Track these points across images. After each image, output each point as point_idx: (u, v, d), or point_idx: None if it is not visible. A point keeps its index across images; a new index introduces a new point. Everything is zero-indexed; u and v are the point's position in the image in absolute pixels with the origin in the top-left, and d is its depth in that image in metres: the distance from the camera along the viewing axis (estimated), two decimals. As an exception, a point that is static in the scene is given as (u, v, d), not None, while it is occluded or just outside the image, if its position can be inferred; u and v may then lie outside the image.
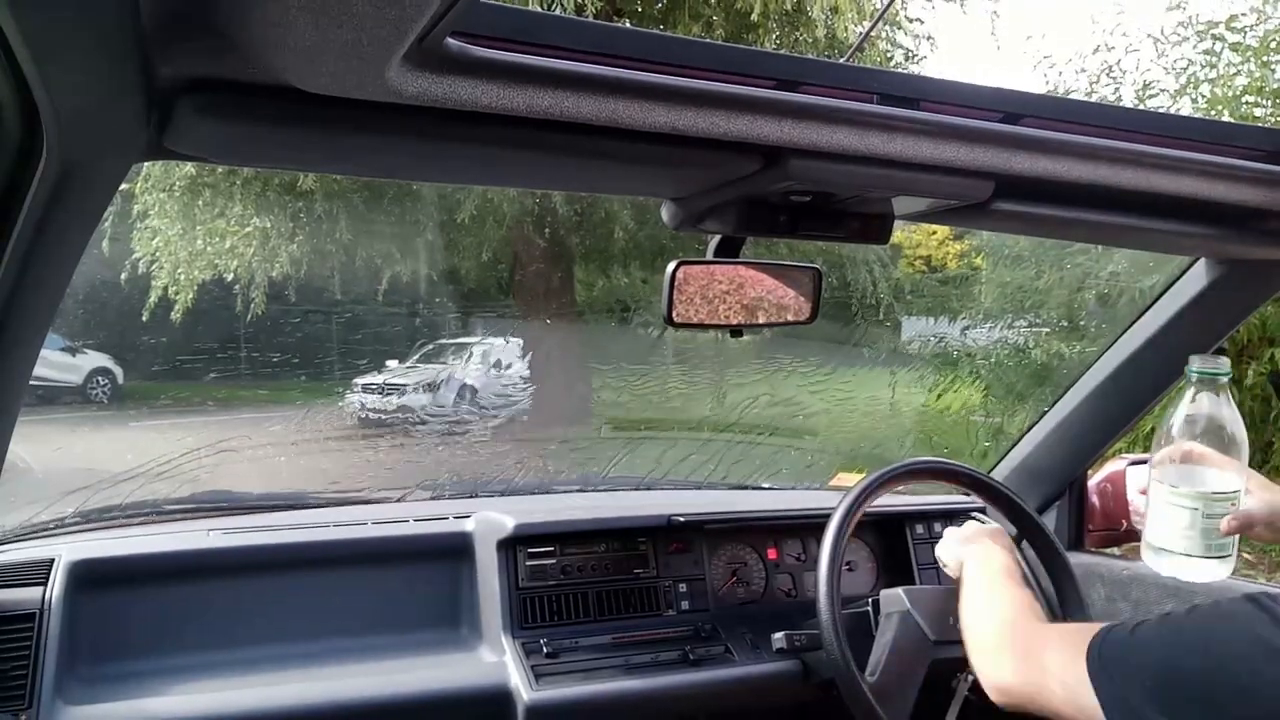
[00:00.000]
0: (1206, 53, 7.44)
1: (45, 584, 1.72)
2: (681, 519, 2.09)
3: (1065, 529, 2.32)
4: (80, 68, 0.96)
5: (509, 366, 10.55)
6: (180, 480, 3.06)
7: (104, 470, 2.75)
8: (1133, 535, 2.05)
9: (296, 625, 1.88)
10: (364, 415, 9.38)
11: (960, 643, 1.68)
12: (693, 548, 2.12)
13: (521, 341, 10.99)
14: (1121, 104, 7.24)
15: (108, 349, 10.81)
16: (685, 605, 2.06)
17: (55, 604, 1.69)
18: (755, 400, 8.18)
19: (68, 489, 2.35)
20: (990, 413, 8.40)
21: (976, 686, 1.75)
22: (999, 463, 2.48)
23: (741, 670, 1.95)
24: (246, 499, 2.24)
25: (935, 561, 2.21)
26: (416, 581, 1.99)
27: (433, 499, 2.37)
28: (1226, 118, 6.68)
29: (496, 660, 1.86)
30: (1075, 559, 2.05)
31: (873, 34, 10.07)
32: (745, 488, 2.85)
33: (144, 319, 9.84)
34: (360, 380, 9.83)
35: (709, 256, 1.53)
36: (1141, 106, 7.41)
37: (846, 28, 9.77)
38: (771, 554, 2.20)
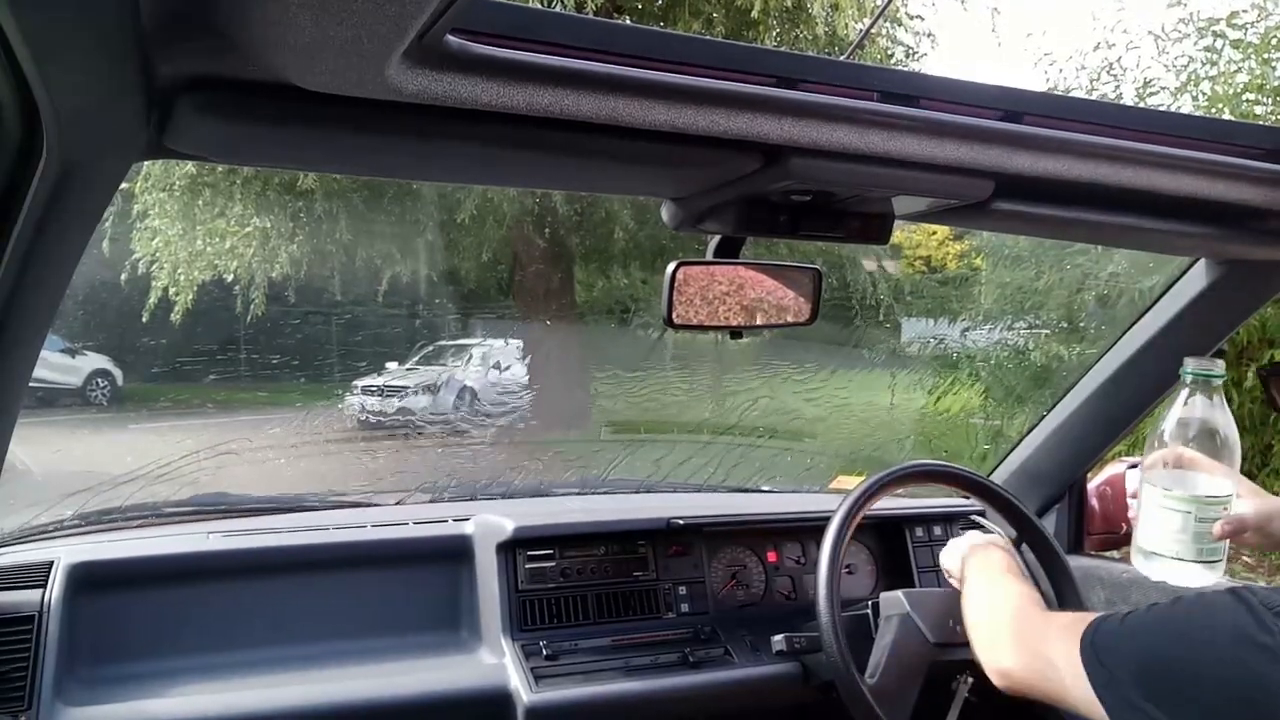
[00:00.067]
0: (1207, 50, 7.45)
1: (45, 586, 1.71)
2: (681, 522, 2.09)
3: (1065, 532, 2.32)
4: (80, 68, 0.96)
5: (508, 368, 10.55)
6: (180, 483, 3.06)
7: (103, 473, 2.75)
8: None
9: (296, 628, 1.87)
10: (364, 417, 9.38)
11: (960, 645, 1.69)
12: (692, 550, 2.11)
13: (521, 343, 11.00)
14: (1122, 102, 7.24)
15: (107, 350, 10.81)
16: (685, 608, 2.05)
17: (55, 606, 1.69)
18: (755, 403, 8.19)
19: (67, 491, 2.35)
20: (990, 415, 8.40)
21: (976, 689, 1.76)
22: (998, 465, 2.48)
23: (741, 672, 1.94)
24: (246, 502, 2.23)
25: (935, 564, 2.21)
26: (416, 584, 1.98)
27: (432, 502, 2.37)
28: (1227, 115, 6.69)
29: (496, 662, 1.86)
30: (1075, 562, 2.05)
31: (873, 31, 10.06)
32: (745, 490, 2.84)
33: (144, 320, 9.84)
34: (360, 382, 9.83)
35: (709, 257, 1.53)
36: (1142, 104, 7.42)
37: (847, 25, 9.77)
38: (771, 557, 2.19)
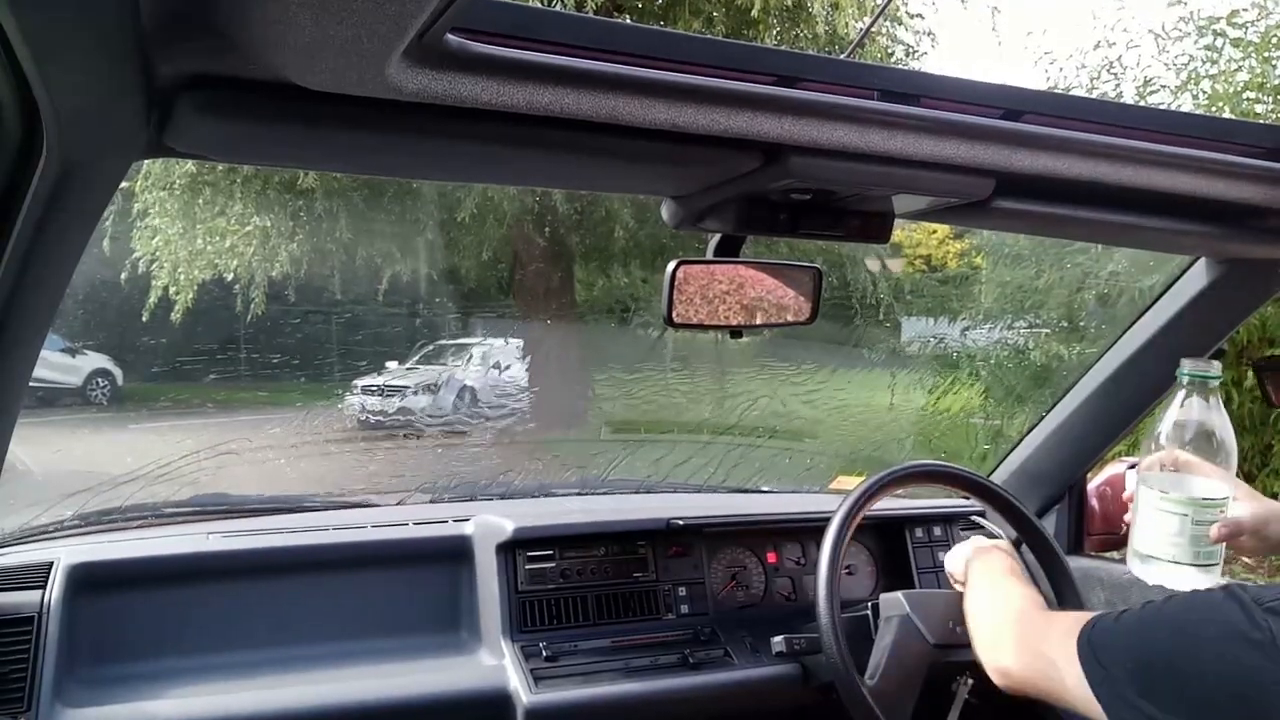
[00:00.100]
0: (1208, 49, 7.44)
1: (44, 587, 1.71)
2: (681, 522, 2.08)
3: (1065, 532, 2.32)
4: (80, 67, 0.96)
5: (509, 368, 10.55)
6: (180, 483, 3.07)
7: (103, 473, 2.75)
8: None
9: (296, 628, 1.87)
10: (364, 417, 9.39)
11: (960, 646, 1.69)
12: (692, 551, 2.11)
13: (521, 342, 11.00)
14: (1122, 100, 7.24)
15: (107, 350, 10.82)
16: (684, 609, 2.05)
17: (54, 607, 1.69)
18: (754, 402, 8.18)
19: (67, 491, 2.35)
20: (989, 415, 8.39)
21: (976, 690, 1.75)
22: (998, 466, 2.48)
23: (741, 674, 1.94)
24: (246, 502, 2.23)
25: (935, 565, 2.21)
26: (416, 585, 1.98)
27: (432, 502, 2.36)
28: (1228, 114, 6.68)
29: (496, 663, 1.86)
30: (1075, 563, 2.04)
31: (873, 30, 10.06)
32: (745, 491, 2.84)
33: (144, 319, 9.85)
34: (360, 382, 9.84)
35: (709, 256, 1.53)
36: (1142, 103, 7.41)
37: (847, 24, 9.78)
38: (771, 557, 2.19)
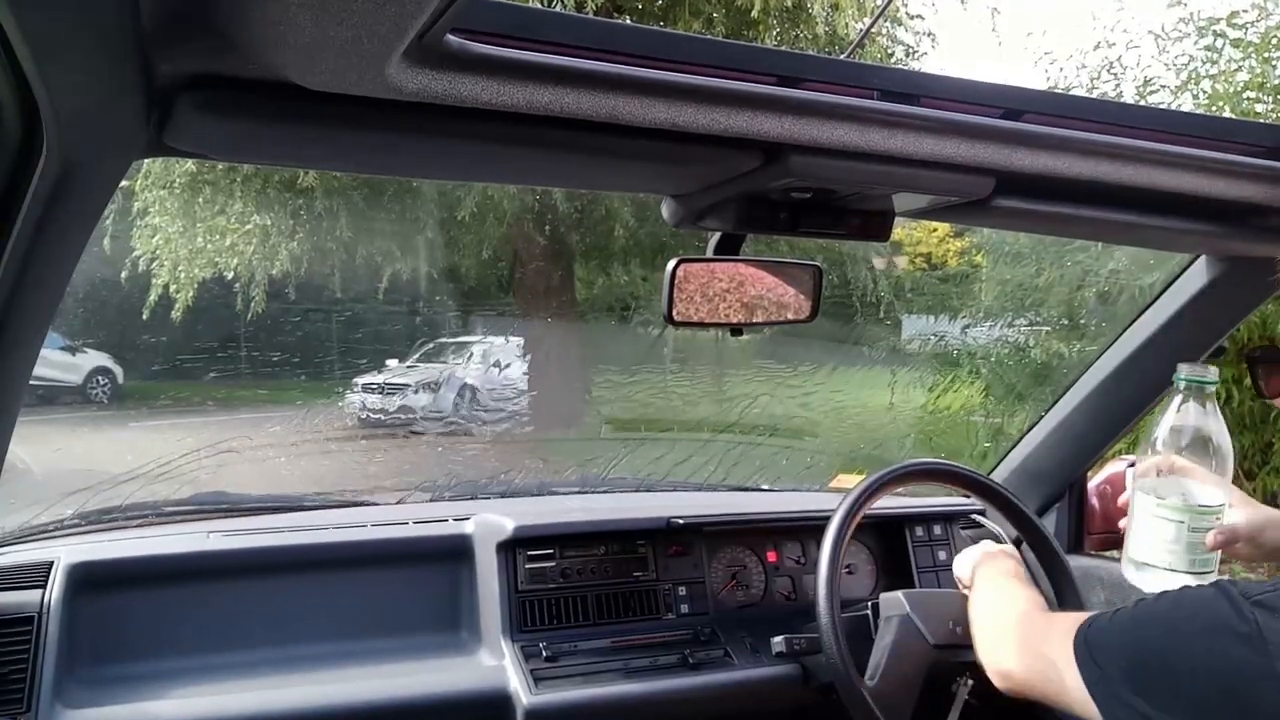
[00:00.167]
0: (1207, 49, 7.44)
1: (44, 586, 1.71)
2: (681, 521, 2.08)
3: (1065, 531, 2.32)
4: (80, 67, 0.96)
5: (509, 366, 10.56)
6: (180, 481, 3.06)
7: (104, 471, 2.75)
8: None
9: (296, 628, 1.87)
10: (364, 415, 9.39)
11: (960, 646, 1.69)
12: (692, 550, 2.11)
13: (521, 340, 11.01)
14: (1122, 100, 7.23)
15: (108, 348, 10.84)
16: (684, 608, 2.05)
17: (54, 606, 1.68)
18: (754, 401, 8.19)
19: (67, 490, 2.35)
20: (990, 413, 8.40)
21: (976, 690, 1.75)
22: (999, 464, 2.47)
23: (741, 674, 1.94)
24: (246, 501, 2.23)
25: (935, 564, 2.21)
26: (416, 584, 1.98)
27: (432, 501, 2.36)
28: (1228, 114, 6.68)
29: (496, 664, 1.86)
30: (1075, 561, 2.04)
31: (873, 30, 10.06)
32: (745, 489, 2.84)
33: (144, 318, 9.86)
34: (360, 380, 9.86)
35: (709, 254, 1.53)
36: (1143, 103, 7.41)
37: (847, 24, 9.77)
38: (771, 557, 2.19)
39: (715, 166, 1.30)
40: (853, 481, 1.96)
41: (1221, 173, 1.43)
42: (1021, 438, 2.43)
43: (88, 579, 1.75)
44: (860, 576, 2.27)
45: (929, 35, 11.44)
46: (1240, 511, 1.46)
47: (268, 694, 1.71)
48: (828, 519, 1.86)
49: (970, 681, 1.77)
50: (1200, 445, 1.39)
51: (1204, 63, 7.48)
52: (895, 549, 2.28)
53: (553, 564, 1.98)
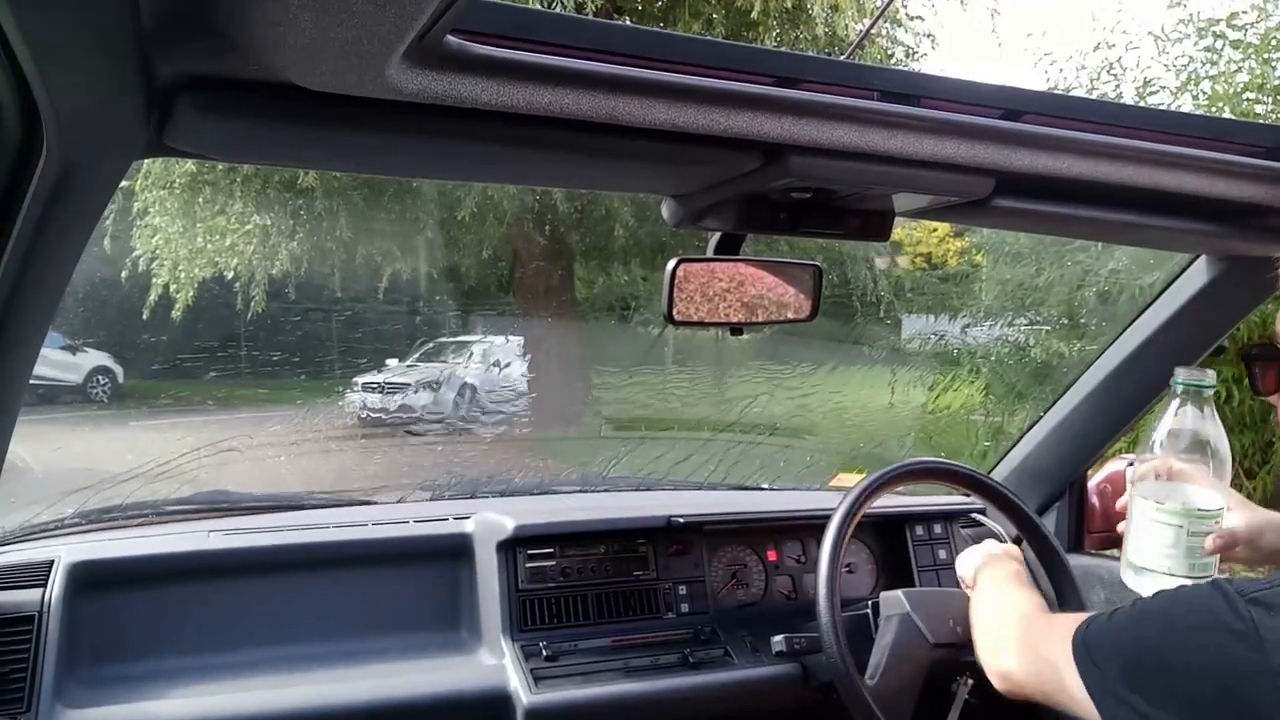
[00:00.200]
0: (1207, 50, 7.44)
1: (45, 585, 1.71)
2: (681, 520, 2.08)
3: (1065, 530, 2.32)
4: (80, 67, 0.96)
5: (509, 365, 10.56)
6: (180, 481, 3.06)
7: (104, 470, 2.75)
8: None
9: (296, 627, 1.87)
10: (364, 415, 9.39)
11: (960, 646, 1.69)
12: (692, 549, 2.11)
13: (522, 340, 11.01)
14: (1122, 101, 7.23)
15: (108, 347, 10.84)
16: (685, 608, 2.05)
17: (55, 606, 1.68)
18: (755, 400, 8.19)
19: (67, 489, 2.35)
20: (990, 412, 8.40)
21: (976, 689, 1.76)
22: (999, 463, 2.48)
23: (741, 673, 1.94)
24: (247, 500, 2.23)
25: (935, 563, 2.21)
26: (416, 583, 1.98)
27: (432, 500, 2.36)
28: (1227, 114, 6.68)
29: (496, 663, 1.86)
30: (1075, 560, 2.04)
31: (873, 31, 10.07)
32: (745, 488, 2.84)
33: (144, 317, 9.86)
34: (360, 379, 9.85)
35: (709, 254, 1.53)
36: (1142, 103, 7.41)
37: (846, 25, 9.77)
38: (771, 555, 2.19)
39: (715, 167, 1.30)
40: (853, 480, 1.96)
41: (1221, 173, 1.43)
42: (1022, 437, 2.43)
43: (88, 578, 1.75)
44: (860, 575, 2.27)
45: (929, 36, 11.46)
46: (1239, 515, 1.46)
47: (268, 693, 1.72)
48: (828, 518, 1.86)
49: (970, 680, 1.78)
50: (1198, 449, 1.38)
51: (1204, 64, 7.49)
52: (895, 548, 2.28)
53: (553, 563, 1.98)
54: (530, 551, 1.97)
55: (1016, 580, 1.63)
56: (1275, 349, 1.34)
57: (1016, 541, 1.94)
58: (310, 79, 0.97)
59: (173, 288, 9.79)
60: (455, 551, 2.01)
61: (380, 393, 9.73)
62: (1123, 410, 2.22)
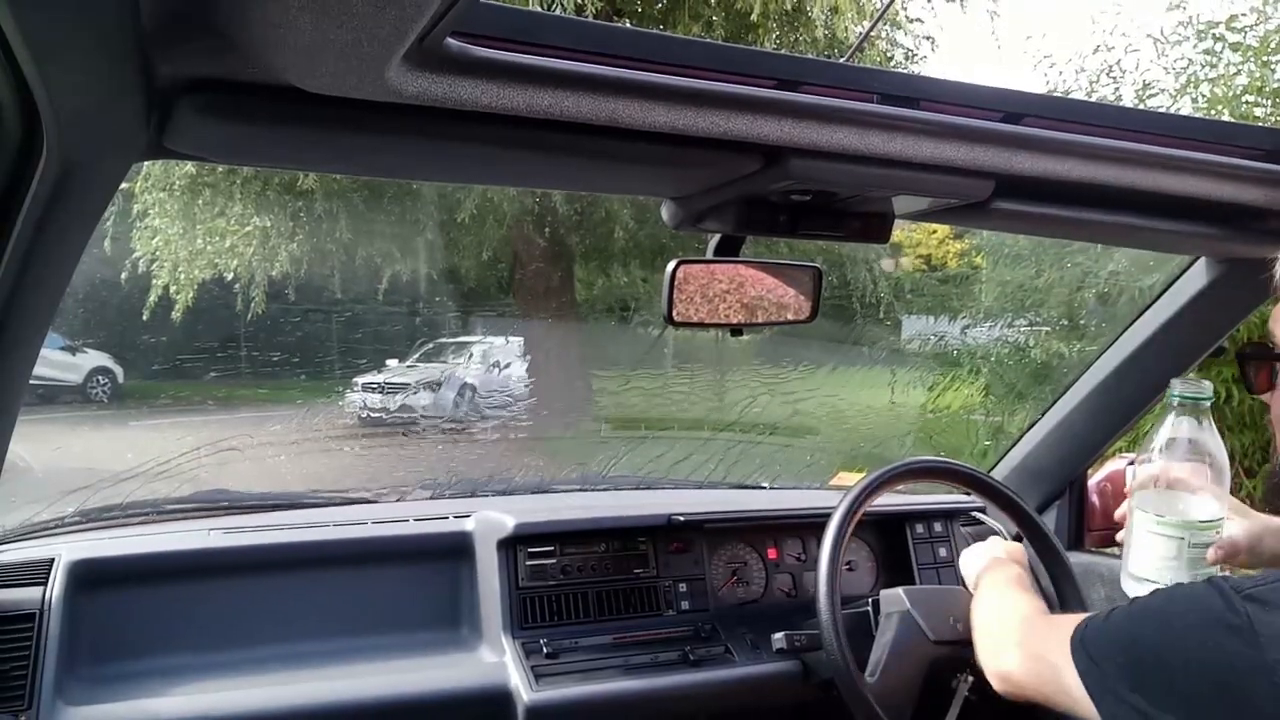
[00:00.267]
0: (1206, 52, 7.43)
1: (45, 584, 1.71)
2: (681, 518, 2.09)
3: (1065, 528, 2.32)
4: (80, 68, 0.96)
5: (509, 366, 10.55)
6: (181, 479, 3.06)
7: (104, 469, 2.75)
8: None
9: (296, 625, 1.87)
10: (365, 415, 9.39)
11: (960, 643, 1.69)
12: (693, 547, 2.11)
13: (522, 341, 11.01)
14: (1122, 104, 7.23)
15: (108, 348, 10.82)
16: (685, 605, 2.05)
17: (55, 604, 1.69)
18: (755, 399, 8.19)
19: (68, 488, 2.35)
20: (990, 412, 8.39)
21: (976, 687, 1.76)
22: (999, 462, 2.48)
23: (741, 671, 1.95)
24: (247, 498, 2.23)
25: (936, 561, 2.21)
26: (417, 581, 1.98)
27: (433, 498, 2.37)
28: (1227, 117, 6.68)
29: (496, 660, 1.86)
30: (1075, 559, 2.05)
31: (873, 34, 10.07)
32: (745, 487, 2.85)
33: (144, 318, 9.86)
34: (360, 379, 9.84)
35: (709, 256, 1.53)
36: (1142, 106, 7.41)
37: (846, 28, 9.78)
38: (772, 554, 2.19)
39: (715, 169, 1.30)
40: (853, 479, 1.96)
41: (1221, 176, 1.43)
42: (1022, 436, 2.44)
43: (89, 576, 1.76)
44: (861, 573, 2.28)
45: (928, 39, 11.48)
46: (1238, 523, 1.46)
47: (268, 691, 1.72)
48: (828, 516, 1.86)
49: (970, 678, 1.78)
50: (1197, 460, 1.38)
51: (1203, 66, 7.48)
52: (896, 546, 2.29)
53: (553, 561, 1.98)
54: (530, 550, 1.97)
55: (1017, 584, 1.64)
56: (1267, 348, 1.35)
57: (1017, 539, 1.94)
58: (310, 81, 0.98)
59: (173, 289, 9.78)
60: (456, 550, 2.01)
61: (380, 393, 9.72)
62: (1123, 410, 2.23)
